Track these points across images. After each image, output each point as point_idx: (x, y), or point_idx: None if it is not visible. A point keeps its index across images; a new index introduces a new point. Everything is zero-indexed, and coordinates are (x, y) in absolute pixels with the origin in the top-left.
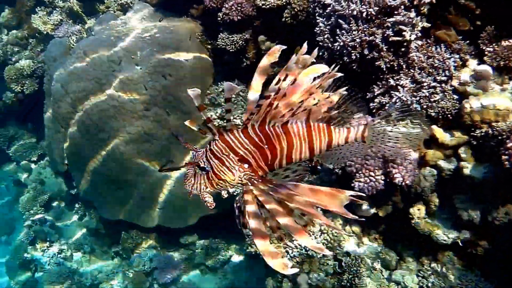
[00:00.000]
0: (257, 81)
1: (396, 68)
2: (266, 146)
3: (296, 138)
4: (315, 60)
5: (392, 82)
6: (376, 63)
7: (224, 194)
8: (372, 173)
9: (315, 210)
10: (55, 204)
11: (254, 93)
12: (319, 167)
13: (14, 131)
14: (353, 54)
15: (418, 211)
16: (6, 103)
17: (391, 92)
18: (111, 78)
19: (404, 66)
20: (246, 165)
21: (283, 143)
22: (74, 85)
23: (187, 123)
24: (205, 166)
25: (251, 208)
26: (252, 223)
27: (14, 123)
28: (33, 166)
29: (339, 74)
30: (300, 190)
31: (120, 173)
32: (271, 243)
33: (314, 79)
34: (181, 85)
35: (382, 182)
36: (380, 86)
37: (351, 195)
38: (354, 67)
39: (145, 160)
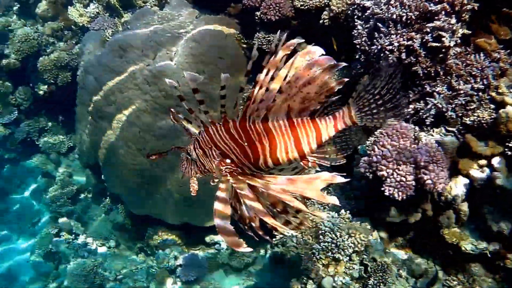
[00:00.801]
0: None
1: (433, 74)
2: (245, 144)
3: (279, 137)
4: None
5: (428, 88)
6: (413, 68)
7: (211, 182)
8: (403, 178)
9: (289, 197)
10: (82, 197)
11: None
12: (317, 168)
13: (45, 123)
14: (390, 58)
15: (447, 220)
16: (39, 94)
17: (427, 98)
18: (145, 73)
19: (441, 73)
20: (228, 160)
21: (264, 141)
22: (108, 78)
23: (172, 110)
24: (191, 154)
25: (221, 194)
26: (217, 205)
27: (45, 115)
28: (62, 158)
29: (343, 64)
30: (279, 180)
31: (149, 168)
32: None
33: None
34: (214, 82)
35: (413, 188)
36: (416, 92)
37: (325, 178)
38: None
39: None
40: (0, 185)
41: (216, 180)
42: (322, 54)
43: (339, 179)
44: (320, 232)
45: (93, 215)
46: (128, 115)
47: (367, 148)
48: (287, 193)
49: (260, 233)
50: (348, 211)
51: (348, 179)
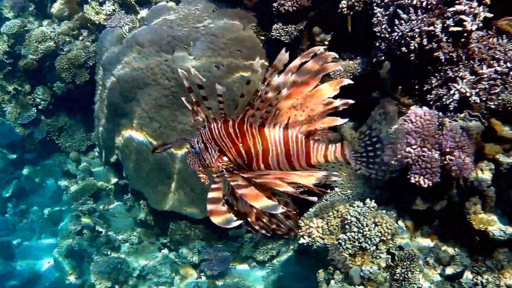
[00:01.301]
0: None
1: (455, 59)
2: (240, 144)
3: (272, 145)
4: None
5: (450, 73)
6: (435, 54)
7: (214, 175)
8: (428, 165)
9: (278, 181)
10: (103, 194)
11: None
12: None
13: (63, 122)
14: (411, 45)
15: (473, 206)
16: (57, 93)
17: (449, 84)
18: (163, 68)
19: (463, 58)
20: (225, 158)
21: (258, 146)
22: (126, 75)
23: (183, 98)
24: (194, 147)
25: (215, 185)
26: (211, 194)
27: (64, 114)
28: (82, 156)
29: (348, 81)
30: (272, 172)
31: (170, 163)
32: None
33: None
34: (233, 75)
35: (439, 174)
36: (438, 77)
37: (319, 177)
38: (411, 58)
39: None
40: (20, 185)
41: (215, 176)
42: (334, 59)
43: (334, 178)
44: (346, 222)
45: (115, 212)
46: (148, 111)
47: (391, 135)
48: (279, 181)
49: (257, 227)
50: (373, 200)
51: (341, 178)
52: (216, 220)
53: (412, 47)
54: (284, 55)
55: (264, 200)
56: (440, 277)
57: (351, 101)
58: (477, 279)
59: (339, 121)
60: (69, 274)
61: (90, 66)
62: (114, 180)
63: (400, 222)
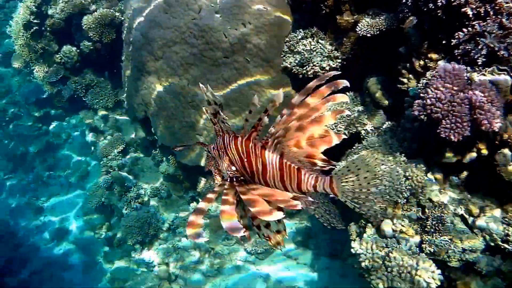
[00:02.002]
0: (296, 99)
1: (482, 14)
2: (245, 159)
3: (270, 166)
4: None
5: (478, 28)
6: (462, 9)
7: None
8: (458, 119)
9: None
10: (132, 150)
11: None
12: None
13: (90, 79)
14: (438, 1)
15: (503, 158)
16: (84, 52)
17: (477, 38)
18: (191, 26)
19: (491, 12)
20: (234, 168)
21: (259, 164)
22: (154, 33)
23: (204, 108)
24: (211, 153)
25: (226, 197)
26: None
27: (91, 72)
28: (109, 113)
29: (348, 112)
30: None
31: (198, 118)
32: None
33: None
34: (260, 32)
35: (469, 128)
36: (466, 32)
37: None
38: (439, 14)
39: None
40: (48, 141)
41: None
42: (344, 88)
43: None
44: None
45: (144, 167)
46: (176, 69)
47: (419, 90)
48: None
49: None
50: (403, 154)
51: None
52: (225, 224)
53: (440, 3)
54: (280, 95)
55: (267, 211)
56: (470, 229)
57: (344, 136)
58: (507, 230)
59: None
60: (98, 228)
61: (116, 25)
62: (142, 135)
63: (429, 175)
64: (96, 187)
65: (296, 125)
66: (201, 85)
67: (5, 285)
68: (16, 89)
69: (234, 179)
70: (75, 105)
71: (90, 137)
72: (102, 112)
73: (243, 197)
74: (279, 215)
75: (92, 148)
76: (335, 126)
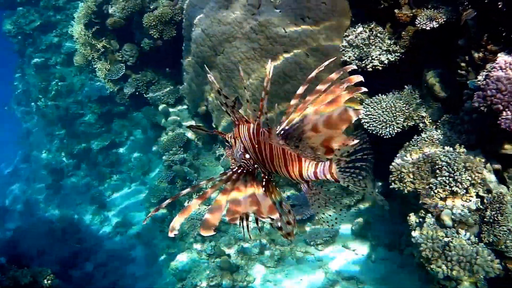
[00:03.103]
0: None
1: None
2: (256, 146)
3: (276, 153)
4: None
5: None
6: None
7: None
8: None
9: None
10: (193, 145)
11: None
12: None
13: (151, 76)
14: None
15: None
16: (144, 49)
17: None
18: (251, 22)
19: None
20: (247, 156)
21: (267, 150)
22: (215, 29)
23: (218, 101)
24: (228, 141)
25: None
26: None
27: (151, 69)
28: (170, 109)
29: (364, 89)
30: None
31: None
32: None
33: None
34: (319, 27)
35: None
36: None
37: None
38: (499, 6)
39: (283, 100)
40: (110, 137)
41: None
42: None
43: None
44: (436, 167)
45: (205, 162)
46: (236, 64)
47: (479, 82)
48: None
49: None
50: (462, 146)
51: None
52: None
53: None
54: (270, 67)
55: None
56: None
57: (362, 112)
58: None
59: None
60: (161, 222)
61: (176, 22)
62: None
63: (488, 166)
64: (159, 182)
65: (312, 110)
66: (210, 78)
67: (70, 277)
68: (78, 88)
69: (239, 171)
70: (137, 102)
71: (151, 133)
72: (163, 108)
73: (228, 197)
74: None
75: (154, 144)
76: (394, 119)
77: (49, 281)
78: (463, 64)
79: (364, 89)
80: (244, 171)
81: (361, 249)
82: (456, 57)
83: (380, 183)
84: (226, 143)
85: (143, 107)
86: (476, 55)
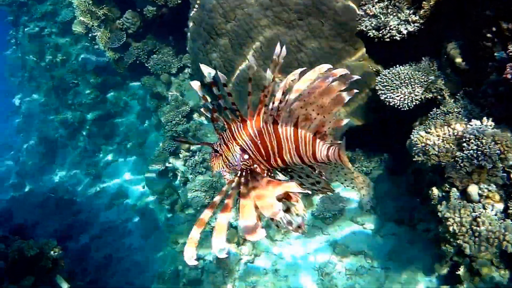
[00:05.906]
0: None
1: None
2: (258, 142)
3: (284, 140)
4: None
5: None
6: None
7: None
8: None
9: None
10: (196, 115)
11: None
12: (323, 177)
13: (153, 45)
14: None
15: None
16: (147, 17)
17: None
18: None
19: None
20: (246, 156)
21: (273, 142)
22: None
23: (202, 110)
24: (218, 149)
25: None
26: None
27: (153, 37)
28: (173, 78)
29: (357, 77)
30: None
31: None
32: None
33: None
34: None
35: None
36: None
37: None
38: None
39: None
40: (106, 108)
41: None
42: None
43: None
44: (464, 140)
45: (208, 132)
46: (248, 30)
47: (511, 54)
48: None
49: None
50: (490, 119)
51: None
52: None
53: None
54: (279, 49)
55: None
56: None
57: (356, 90)
58: None
59: (344, 121)
60: (161, 193)
61: None
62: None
63: None
64: (160, 152)
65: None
66: (203, 67)
67: (67, 249)
68: (74, 58)
69: (244, 173)
70: (136, 72)
71: (151, 103)
72: (165, 78)
73: (242, 201)
74: (278, 205)
75: (153, 114)
76: (413, 90)
77: (55, 253)
78: (489, 35)
79: (357, 77)
80: (249, 172)
81: (369, 223)
82: (481, 28)
83: (386, 156)
84: (215, 152)
85: (143, 77)
86: (505, 26)
